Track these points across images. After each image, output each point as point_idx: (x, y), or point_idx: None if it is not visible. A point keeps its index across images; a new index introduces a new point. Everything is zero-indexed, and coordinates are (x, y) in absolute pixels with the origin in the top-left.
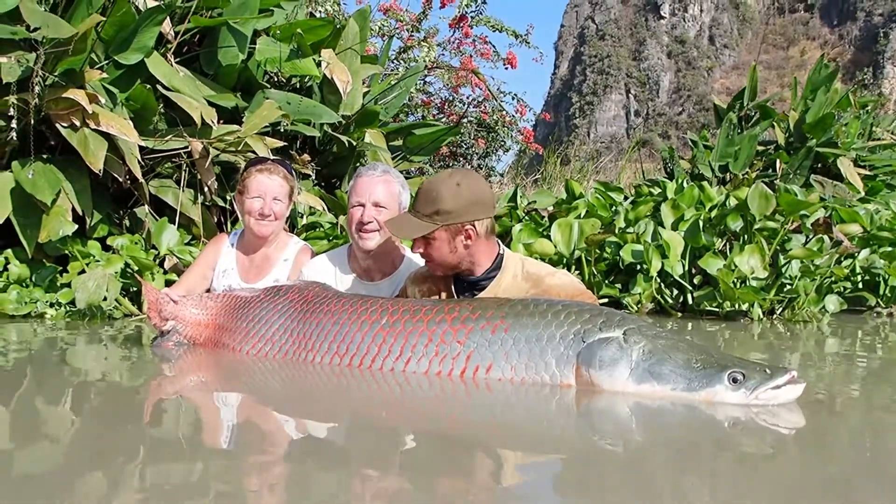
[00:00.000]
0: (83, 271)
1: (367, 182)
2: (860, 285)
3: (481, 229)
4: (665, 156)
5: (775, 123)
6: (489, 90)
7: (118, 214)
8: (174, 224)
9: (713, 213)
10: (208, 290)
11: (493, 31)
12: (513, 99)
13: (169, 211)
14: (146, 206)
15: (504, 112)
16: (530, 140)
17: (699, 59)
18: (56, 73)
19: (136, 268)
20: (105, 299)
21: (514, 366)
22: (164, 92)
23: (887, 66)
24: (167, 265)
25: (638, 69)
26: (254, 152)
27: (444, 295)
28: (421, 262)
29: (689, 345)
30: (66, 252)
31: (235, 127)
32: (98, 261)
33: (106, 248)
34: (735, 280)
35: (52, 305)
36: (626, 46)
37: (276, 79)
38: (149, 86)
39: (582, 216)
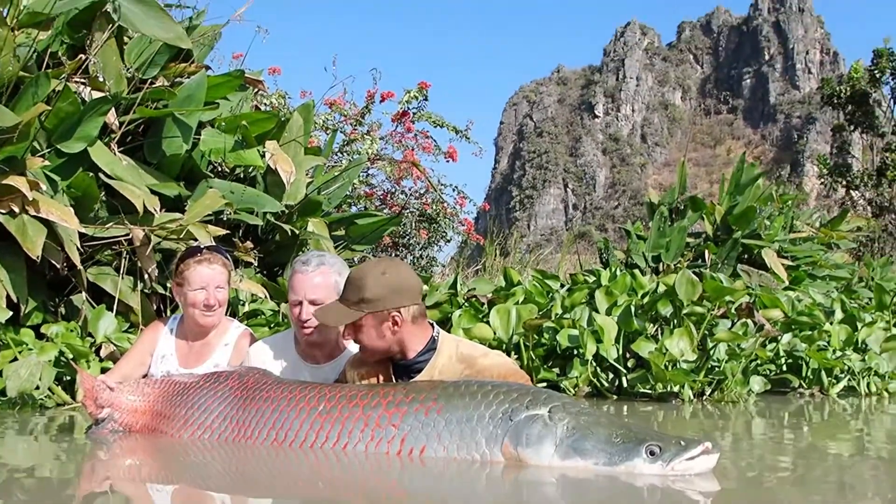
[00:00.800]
0: (15, 359)
1: (302, 280)
2: (784, 367)
3: (407, 315)
4: (601, 246)
5: (704, 216)
6: (429, 181)
7: (53, 302)
8: (112, 311)
9: (645, 300)
10: (145, 376)
11: (435, 127)
12: (453, 191)
13: (107, 298)
14: (83, 294)
15: (445, 203)
16: (471, 231)
17: (632, 155)
18: None
19: (70, 355)
20: (38, 388)
21: (446, 446)
22: (105, 180)
23: (806, 164)
24: (103, 353)
25: (575, 165)
26: (195, 239)
27: (381, 377)
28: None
29: (609, 420)
30: None
31: (178, 215)
32: (31, 349)
33: (40, 336)
34: (666, 363)
35: None
36: (563, 143)
37: (219, 168)
38: (91, 173)
39: (520, 303)
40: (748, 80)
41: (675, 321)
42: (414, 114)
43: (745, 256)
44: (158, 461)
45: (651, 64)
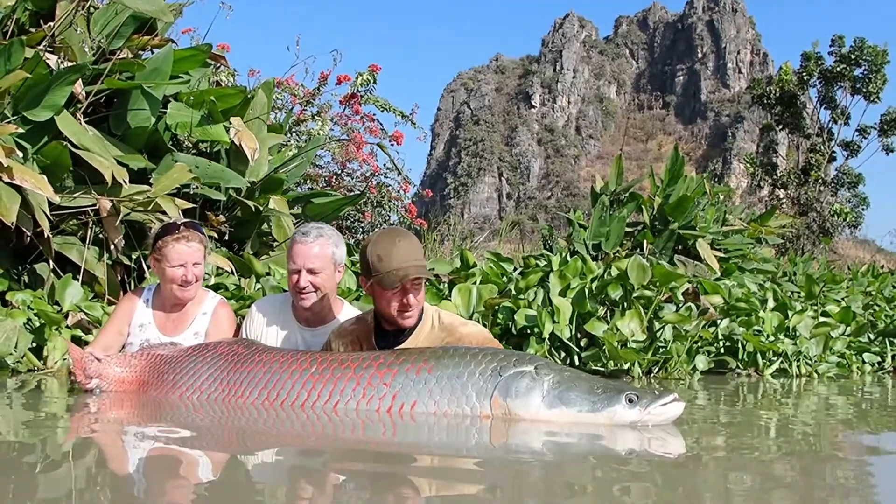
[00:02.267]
0: None
1: (301, 249)
2: (722, 350)
3: None
4: (545, 234)
5: (642, 206)
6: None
7: (16, 270)
8: (77, 281)
9: (594, 284)
10: (123, 347)
11: (381, 111)
12: (398, 175)
13: (70, 268)
14: (50, 262)
15: (389, 187)
16: (413, 215)
17: (567, 147)
18: None
19: (41, 322)
20: (14, 352)
21: (436, 401)
22: (73, 150)
23: (734, 162)
24: (71, 321)
25: (510, 154)
26: (163, 212)
27: (365, 347)
28: (351, 314)
29: (588, 376)
30: None
31: (145, 187)
32: None
33: (4, 303)
34: (618, 342)
35: None
36: (500, 132)
37: (182, 143)
38: (63, 143)
39: (478, 283)
40: (681, 77)
41: (625, 304)
42: (362, 97)
43: (680, 247)
44: (146, 416)
45: (588, 57)
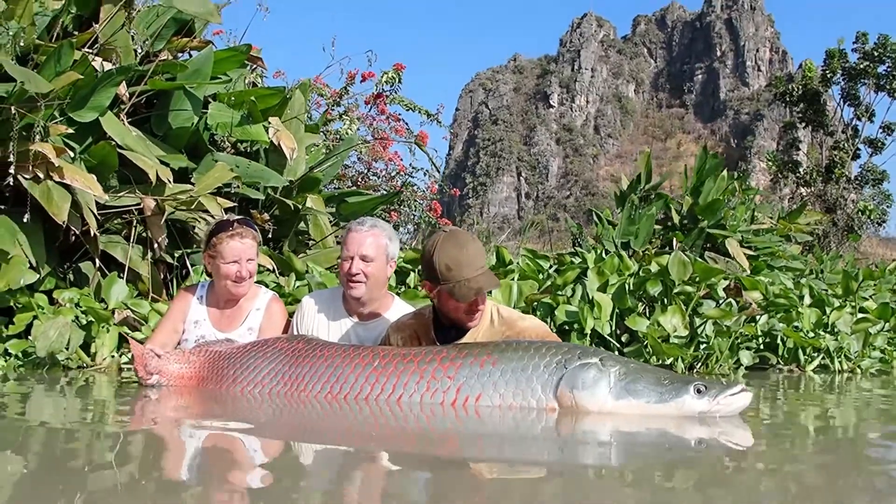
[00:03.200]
0: (31, 323)
1: (356, 237)
2: (761, 346)
3: None
4: (574, 232)
5: (670, 205)
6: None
7: (62, 269)
8: (122, 279)
9: (633, 280)
10: (179, 343)
11: (407, 110)
12: (424, 175)
13: (114, 266)
14: (96, 261)
15: (415, 187)
16: (438, 214)
17: (585, 146)
18: (17, 128)
19: (88, 319)
20: (67, 348)
21: (501, 394)
22: (118, 150)
23: (753, 160)
24: (117, 318)
25: (529, 153)
26: (206, 211)
27: (423, 342)
28: (404, 309)
29: (654, 368)
30: (12, 304)
31: (188, 186)
32: (45, 313)
33: (51, 301)
34: (659, 338)
35: (4, 355)
36: (518, 132)
37: (221, 143)
38: (111, 143)
39: (516, 279)
40: (700, 76)
41: (665, 300)
42: (387, 97)
43: (709, 245)
44: (212, 411)
45: (606, 56)
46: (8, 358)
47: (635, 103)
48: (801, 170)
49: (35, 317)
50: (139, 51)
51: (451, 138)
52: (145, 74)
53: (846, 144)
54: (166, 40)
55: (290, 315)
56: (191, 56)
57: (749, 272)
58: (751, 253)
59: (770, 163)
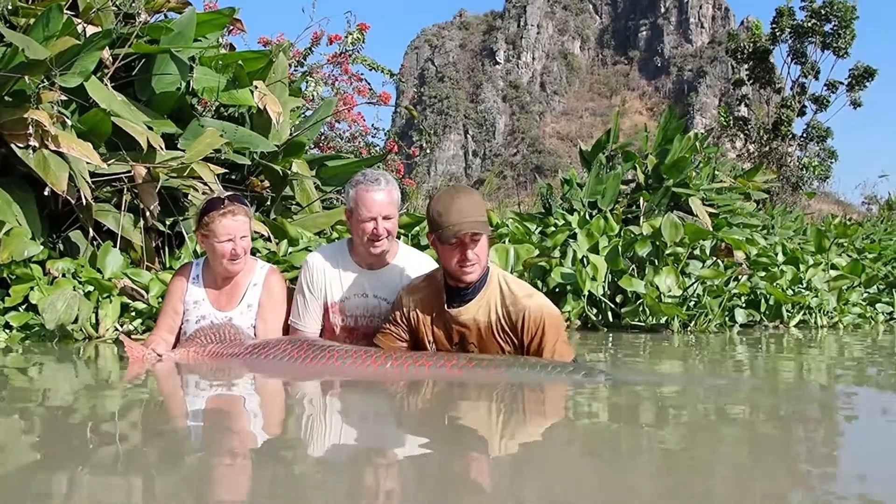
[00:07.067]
0: (27, 295)
1: (374, 197)
2: (743, 304)
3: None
4: (543, 191)
5: (636, 165)
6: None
7: (51, 238)
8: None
9: (622, 241)
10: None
11: (370, 70)
12: (385, 135)
13: (104, 236)
14: (89, 231)
15: (377, 147)
16: (401, 174)
17: (532, 103)
18: (6, 94)
19: (86, 290)
20: (76, 320)
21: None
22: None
23: (696, 117)
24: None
25: (475, 111)
26: (198, 178)
27: (436, 305)
28: (410, 253)
29: None
30: (5, 276)
31: (178, 153)
32: (44, 284)
33: (43, 271)
34: (656, 297)
35: (5, 328)
36: (464, 89)
37: (204, 108)
38: (105, 109)
39: (507, 242)
40: (644, 32)
41: (656, 261)
42: (350, 56)
43: (672, 204)
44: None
45: (552, 12)
46: (10, 331)
47: (581, 60)
48: (748, 127)
49: (32, 288)
50: (118, 12)
51: (398, 95)
52: (126, 37)
53: (793, 102)
54: (144, 1)
55: (292, 280)
56: (166, 17)
57: (711, 229)
58: (712, 211)
59: (723, 119)
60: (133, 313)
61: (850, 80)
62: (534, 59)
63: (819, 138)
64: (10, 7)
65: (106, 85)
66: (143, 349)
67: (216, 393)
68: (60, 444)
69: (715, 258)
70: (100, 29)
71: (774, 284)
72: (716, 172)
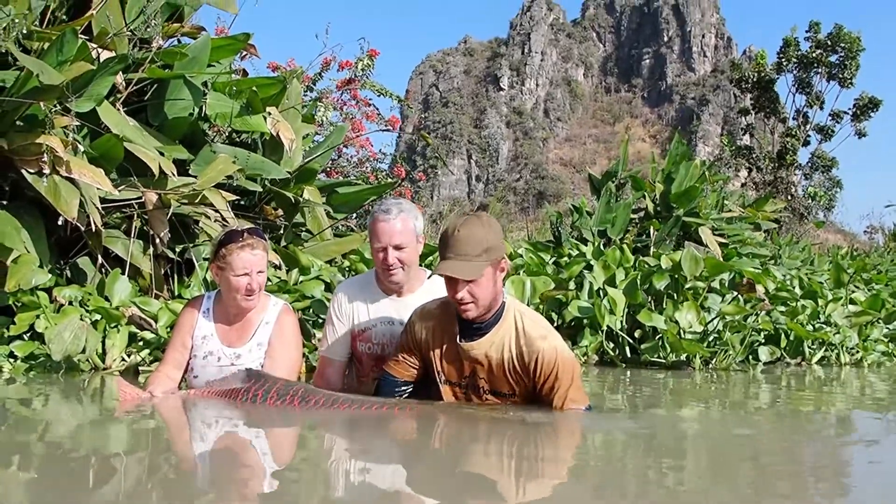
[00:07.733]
0: (33, 323)
1: (385, 227)
2: (763, 340)
3: (507, 264)
4: (553, 220)
5: (645, 194)
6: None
7: (59, 265)
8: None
9: (640, 275)
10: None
11: (378, 96)
12: (391, 160)
13: (112, 262)
14: (98, 257)
15: (384, 172)
16: (410, 198)
17: (535, 129)
18: (18, 119)
19: (94, 319)
20: (83, 351)
21: None
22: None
23: (699, 145)
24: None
25: (479, 136)
26: (210, 205)
27: (447, 335)
28: (436, 280)
29: None
30: (11, 304)
31: (190, 179)
32: (50, 313)
33: (50, 299)
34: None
35: (9, 357)
36: (468, 114)
37: (217, 134)
38: (118, 135)
39: (521, 273)
40: (647, 61)
41: (675, 295)
42: (359, 82)
43: (682, 233)
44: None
45: (556, 40)
46: (14, 361)
47: (584, 87)
48: (753, 155)
49: (38, 316)
50: (132, 37)
51: (402, 120)
52: (140, 62)
53: (797, 131)
54: (160, 26)
55: (304, 311)
56: (179, 42)
57: (722, 260)
58: (722, 240)
59: (728, 147)
60: (141, 343)
61: (855, 110)
62: (537, 85)
63: (824, 168)
64: (24, 31)
65: (118, 110)
66: (137, 391)
67: (223, 430)
68: (61, 479)
69: (736, 293)
70: (114, 54)
71: (794, 320)
72: (724, 202)
